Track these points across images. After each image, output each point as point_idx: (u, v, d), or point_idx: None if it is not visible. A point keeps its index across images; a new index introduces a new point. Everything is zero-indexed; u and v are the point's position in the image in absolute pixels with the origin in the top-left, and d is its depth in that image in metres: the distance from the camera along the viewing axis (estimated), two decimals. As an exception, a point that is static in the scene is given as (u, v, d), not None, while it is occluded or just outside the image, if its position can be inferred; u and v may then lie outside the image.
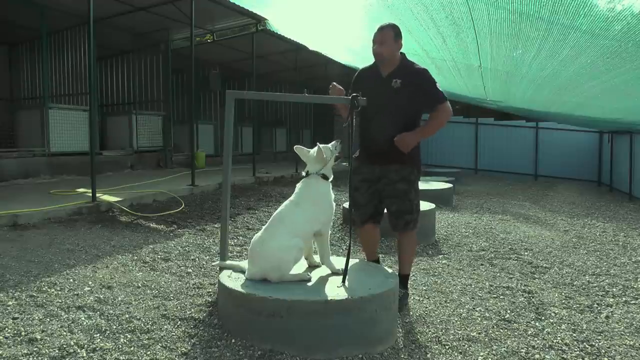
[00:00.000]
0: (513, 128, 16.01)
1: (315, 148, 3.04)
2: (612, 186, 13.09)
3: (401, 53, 3.39)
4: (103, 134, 11.14)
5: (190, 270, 4.08)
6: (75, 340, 2.57)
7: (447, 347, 2.79)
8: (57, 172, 8.56)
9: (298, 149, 3.14)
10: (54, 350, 2.46)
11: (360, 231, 3.63)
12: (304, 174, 3.09)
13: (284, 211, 2.94)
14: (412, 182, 3.36)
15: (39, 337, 2.59)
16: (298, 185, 3.06)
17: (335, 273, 2.96)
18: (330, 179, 3.08)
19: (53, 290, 3.31)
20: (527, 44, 5.63)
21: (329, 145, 3.10)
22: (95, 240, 4.71)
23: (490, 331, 3.04)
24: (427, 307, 3.42)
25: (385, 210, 3.48)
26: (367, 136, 3.45)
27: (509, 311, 3.42)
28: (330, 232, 3.09)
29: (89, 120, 8.38)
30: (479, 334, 2.99)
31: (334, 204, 3.09)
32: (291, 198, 3.01)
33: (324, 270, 3.02)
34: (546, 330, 3.11)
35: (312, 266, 3.05)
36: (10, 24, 9.55)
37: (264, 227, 2.96)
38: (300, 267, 2.98)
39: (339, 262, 3.09)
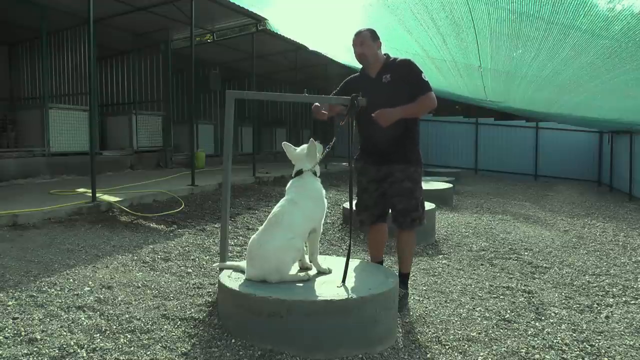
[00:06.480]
0: (513, 128, 16.01)
1: (307, 144, 3.04)
2: (612, 186, 13.08)
3: (385, 53, 3.44)
4: (103, 134, 11.12)
5: (190, 270, 4.08)
6: (75, 340, 2.57)
7: (447, 347, 2.79)
8: (57, 172, 8.54)
9: (286, 145, 3.14)
10: (54, 350, 2.46)
11: (369, 231, 3.64)
12: (293, 174, 3.07)
13: (281, 211, 2.91)
14: (416, 181, 3.40)
15: (39, 337, 2.59)
16: (292, 184, 3.04)
17: (322, 272, 2.96)
18: (318, 176, 3.12)
19: (53, 290, 3.31)
20: (527, 44, 5.62)
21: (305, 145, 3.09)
22: (95, 240, 4.71)
23: (490, 331, 3.04)
24: (427, 307, 3.42)
25: (390, 210, 3.48)
26: (367, 137, 3.45)
27: (509, 311, 3.42)
28: (322, 231, 3.08)
29: (89, 120, 8.35)
30: (479, 334, 2.99)
31: (326, 200, 3.11)
32: (287, 197, 2.98)
33: (323, 270, 3.02)
34: (546, 330, 3.11)
35: (304, 268, 3.02)
36: (10, 24, 9.54)
37: (260, 228, 2.95)
38: (292, 270, 2.94)
39: (339, 262, 3.09)
